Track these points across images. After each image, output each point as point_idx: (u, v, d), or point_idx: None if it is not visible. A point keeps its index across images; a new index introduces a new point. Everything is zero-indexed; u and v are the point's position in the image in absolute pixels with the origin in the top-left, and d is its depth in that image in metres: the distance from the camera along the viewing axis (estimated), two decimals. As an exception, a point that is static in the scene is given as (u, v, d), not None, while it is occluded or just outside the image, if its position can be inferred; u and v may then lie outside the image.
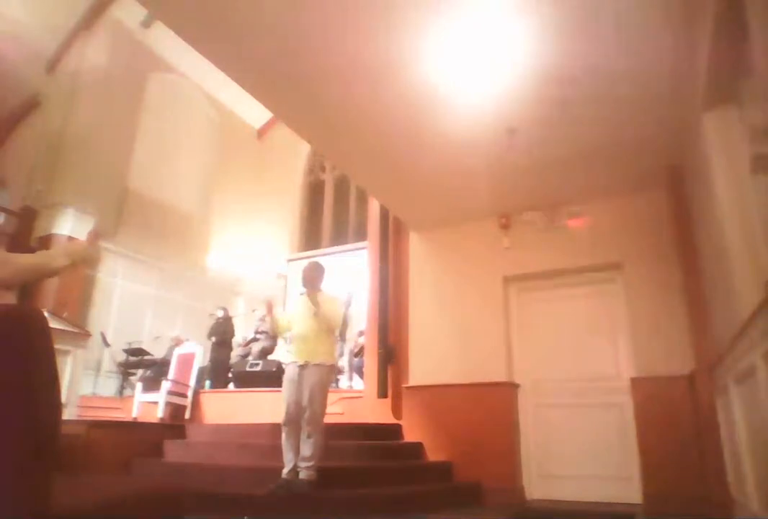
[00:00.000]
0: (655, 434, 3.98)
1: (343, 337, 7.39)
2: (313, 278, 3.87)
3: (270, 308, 3.83)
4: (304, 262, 4.25)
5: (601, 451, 4.34)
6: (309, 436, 3.44)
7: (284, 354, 3.83)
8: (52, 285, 7.43)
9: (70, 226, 8.53)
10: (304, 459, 3.43)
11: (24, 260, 2.19)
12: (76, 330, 5.44)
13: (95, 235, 2.71)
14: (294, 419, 3.51)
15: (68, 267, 2.33)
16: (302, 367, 3.59)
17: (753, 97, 2.53)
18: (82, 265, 2.43)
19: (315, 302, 3.69)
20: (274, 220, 12.00)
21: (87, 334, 5.69)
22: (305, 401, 3.49)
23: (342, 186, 11.99)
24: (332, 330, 3.73)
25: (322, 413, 3.55)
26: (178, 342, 7.77)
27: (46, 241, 8.38)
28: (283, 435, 3.52)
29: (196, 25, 3.02)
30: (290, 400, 3.54)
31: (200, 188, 11.28)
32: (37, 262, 2.22)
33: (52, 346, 1.12)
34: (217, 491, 3.46)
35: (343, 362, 7.41)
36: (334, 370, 3.82)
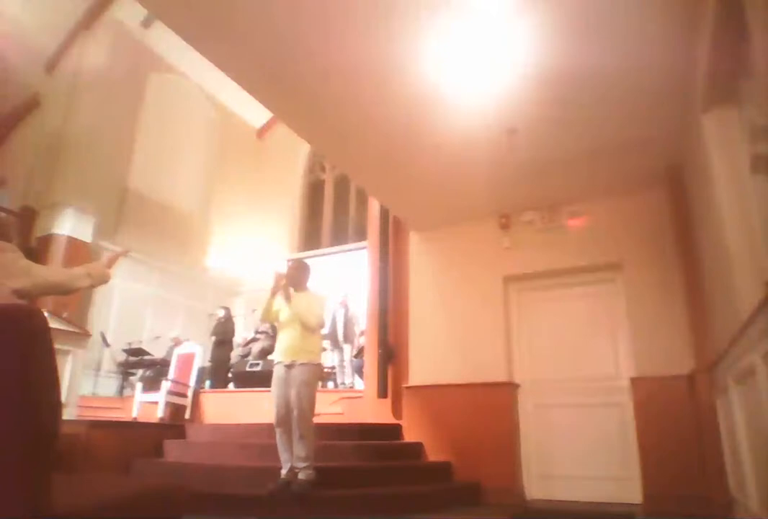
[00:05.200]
0: (655, 434, 3.98)
1: (347, 339, 7.38)
2: (298, 277, 3.86)
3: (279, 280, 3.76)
4: (304, 262, 4.23)
5: (601, 451, 4.34)
6: (301, 437, 3.43)
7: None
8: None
9: (70, 226, 8.55)
10: (300, 459, 3.42)
11: (49, 276, 2.23)
12: (76, 330, 5.44)
13: (123, 253, 2.70)
14: (285, 419, 3.50)
15: (88, 287, 2.39)
16: (289, 366, 3.58)
17: (753, 97, 2.53)
18: (100, 284, 2.50)
19: (287, 298, 3.67)
20: (274, 219, 12.00)
21: (87, 334, 5.68)
22: (293, 401, 3.48)
23: (342, 186, 11.99)
24: (310, 329, 3.67)
25: (311, 412, 3.52)
26: (177, 342, 7.78)
27: (46, 241, 8.39)
28: (277, 436, 3.52)
29: (196, 25, 3.02)
30: (279, 401, 3.53)
31: (200, 188, 11.28)
32: (61, 281, 2.26)
33: (52, 346, 1.12)
34: (217, 491, 3.46)
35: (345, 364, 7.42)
36: (320, 369, 3.80)
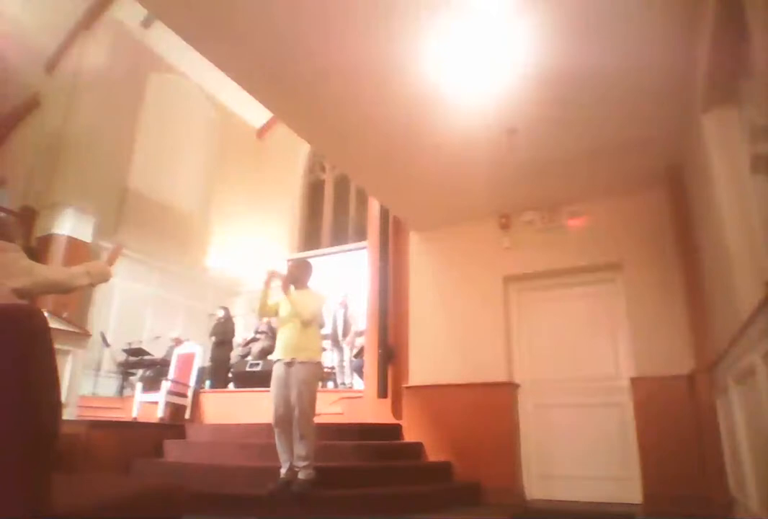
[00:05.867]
0: (655, 434, 3.98)
1: (345, 339, 7.39)
2: (300, 276, 3.87)
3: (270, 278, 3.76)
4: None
5: (601, 451, 4.34)
6: (301, 436, 3.41)
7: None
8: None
9: (70, 226, 8.55)
10: (300, 458, 3.41)
11: (49, 275, 2.24)
12: (76, 330, 5.43)
13: (119, 248, 2.70)
14: (284, 418, 3.48)
15: (87, 285, 2.39)
16: (288, 364, 3.56)
17: (753, 97, 2.53)
18: (100, 283, 2.50)
19: (286, 292, 3.67)
20: (274, 219, 12.00)
21: (87, 334, 5.68)
22: (293, 400, 3.46)
23: (342, 186, 11.98)
24: (305, 322, 3.65)
25: (312, 411, 3.50)
26: (178, 342, 7.78)
27: (46, 241, 8.39)
28: (276, 435, 3.50)
29: (196, 24, 3.02)
30: (278, 399, 3.51)
31: (200, 188, 11.28)
32: (61, 280, 2.27)
33: (52, 346, 1.12)
34: (217, 491, 3.46)
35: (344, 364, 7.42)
36: (320, 368, 3.78)
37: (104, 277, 2.47)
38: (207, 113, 11.54)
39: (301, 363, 3.54)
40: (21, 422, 1.03)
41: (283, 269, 3.97)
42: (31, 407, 1.04)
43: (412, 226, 5.62)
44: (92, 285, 2.44)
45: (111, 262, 2.58)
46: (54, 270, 2.37)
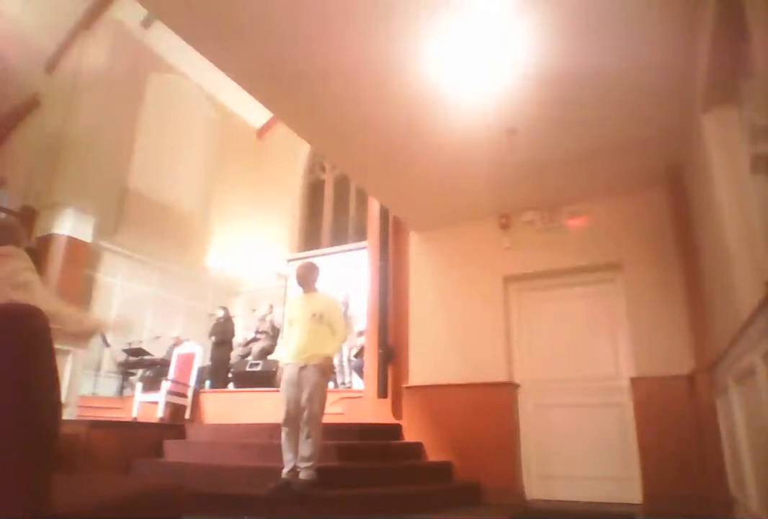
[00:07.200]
0: (655, 434, 3.98)
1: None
2: (307, 278, 3.89)
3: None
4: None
5: (601, 451, 4.34)
6: (308, 436, 3.46)
7: (281, 352, 3.83)
8: (51, 285, 7.43)
9: (70, 226, 8.54)
10: (304, 459, 3.44)
11: (40, 303, 2.18)
12: (76, 330, 5.43)
13: (125, 324, 2.71)
14: (293, 419, 3.52)
15: (71, 332, 2.33)
16: (301, 368, 3.60)
17: (753, 97, 2.53)
18: (82, 338, 2.46)
19: (316, 307, 3.71)
20: (274, 219, 11.99)
21: (87, 334, 5.67)
22: (304, 402, 3.51)
23: (342, 186, 11.98)
24: (335, 332, 3.73)
25: (321, 413, 3.57)
26: (178, 342, 7.78)
27: (46, 241, 8.38)
28: (283, 435, 3.54)
29: (196, 24, 3.02)
30: (289, 401, 3.55)
31: (200, 188, 11.28)
32: (48, 312, 2.22)
33: (52, 346, 1.12)
34: (217, 491, 3.46)
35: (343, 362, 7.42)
36: (332, 371, 3.83)
37: (90, 335, 2.41)
38: (207, 113, 11.53)
39: (314, 366, 3.60)
40: (21, 422, 1.03)
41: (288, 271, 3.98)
42: (31, 407, 1.04)
43: (412, 226, 5.62)
44: (75, 335, 2.36)
45: (114, 329, 2.55)
46: (49, 301, 2.26)
